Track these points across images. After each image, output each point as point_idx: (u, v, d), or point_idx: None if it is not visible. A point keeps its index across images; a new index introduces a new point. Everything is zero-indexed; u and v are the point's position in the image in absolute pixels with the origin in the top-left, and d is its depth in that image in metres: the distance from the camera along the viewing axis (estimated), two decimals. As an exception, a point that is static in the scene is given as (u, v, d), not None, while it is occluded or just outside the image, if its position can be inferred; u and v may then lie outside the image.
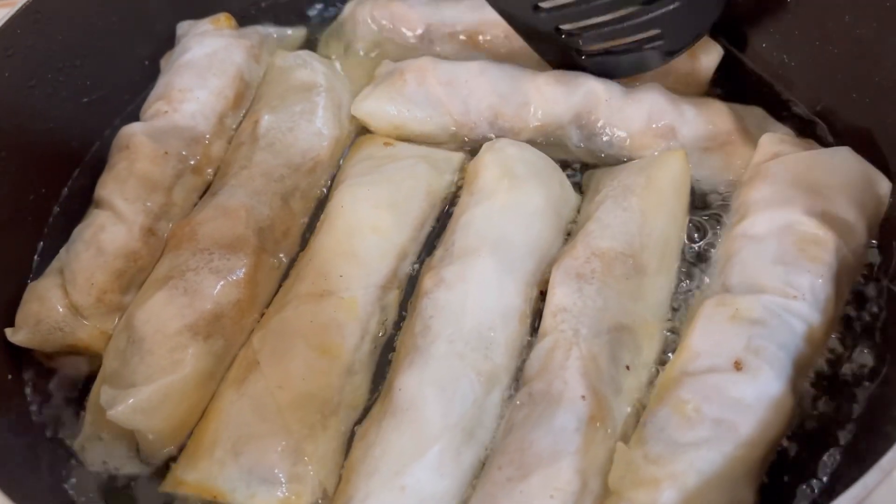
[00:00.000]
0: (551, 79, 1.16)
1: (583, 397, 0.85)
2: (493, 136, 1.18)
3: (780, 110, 1.19)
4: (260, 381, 0.92)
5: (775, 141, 1.05)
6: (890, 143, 1.03)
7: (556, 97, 1.15)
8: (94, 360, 1.01)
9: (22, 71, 1.10)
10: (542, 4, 1.12)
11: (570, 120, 1.15)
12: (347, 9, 1.36)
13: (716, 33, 1.22)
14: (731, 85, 1.23)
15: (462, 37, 1.28)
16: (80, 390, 1.00)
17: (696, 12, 1.09)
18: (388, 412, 0.89)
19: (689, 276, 1.02)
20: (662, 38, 1.11)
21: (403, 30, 1.31)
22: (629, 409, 0.90)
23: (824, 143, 1.12)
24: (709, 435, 0.80)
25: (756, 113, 1.15)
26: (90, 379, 1.00)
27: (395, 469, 0.85)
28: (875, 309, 0.97)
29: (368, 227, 1.04)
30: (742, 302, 0.90)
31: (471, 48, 1.27)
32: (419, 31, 1.31)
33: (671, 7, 1.07)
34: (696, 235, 1.05)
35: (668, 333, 0.97)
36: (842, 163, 1.00)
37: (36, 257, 1.13)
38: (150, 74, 1.27)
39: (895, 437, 0.73)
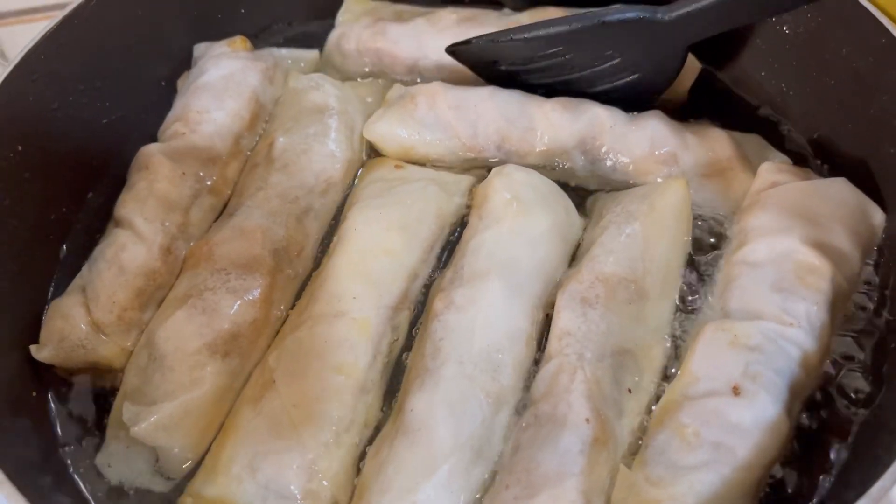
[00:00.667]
0: (558, 105, 1.20)
1: (587, 420, 0.89)
2: (499, 159, 1.21)
3: (777, 138, 1.22)
4: (276, 399, 0.95)
5: (773, 170, 1.09)
6: (884, 173, 1.07)
7: (561, 123, 1.19)
8: (114, 375, 1.04)
9: (45, 95, 1.13)
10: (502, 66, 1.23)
11: (575, 145, 1.19)
12: (331, 41, 1.40)
13: (716, 63, 1.26)
14: (729, 112, 1.26)
15: (448, 69, 1.31)
16: (101, 406, 1.03)
17: (651, 79, 1.19)
18: (400, 432, 0.93)
19: (690, 300, 1.06)
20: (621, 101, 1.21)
21: (393, 66, 1.36)
22: (630, 431, 0.93)
23: (820, 172, 1.16)
24: (708, 458, 0.84)
25: (755, 141, 1.19)
26: (110, 394, 1.04)
27: (408, 487, 0.88)
28: (870, 335, 1.00)
29: (381, 249, 1.07)
30: (740, 328, 0.94)
31: (458, 79, 1.29)
32: (407, 65, 1.35)
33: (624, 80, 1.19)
34: (696, 261, 1.09)
35: (669, 356, 1.01)
36: (838, 193, 1.04)
37: (55, 274, 1.16)
38: (167, 95, 1.30)
39: (887, 462, 0.77)
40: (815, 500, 0.89)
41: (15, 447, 0.93)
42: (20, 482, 0.82)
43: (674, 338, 1.02)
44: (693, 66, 1.25)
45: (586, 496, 0.84)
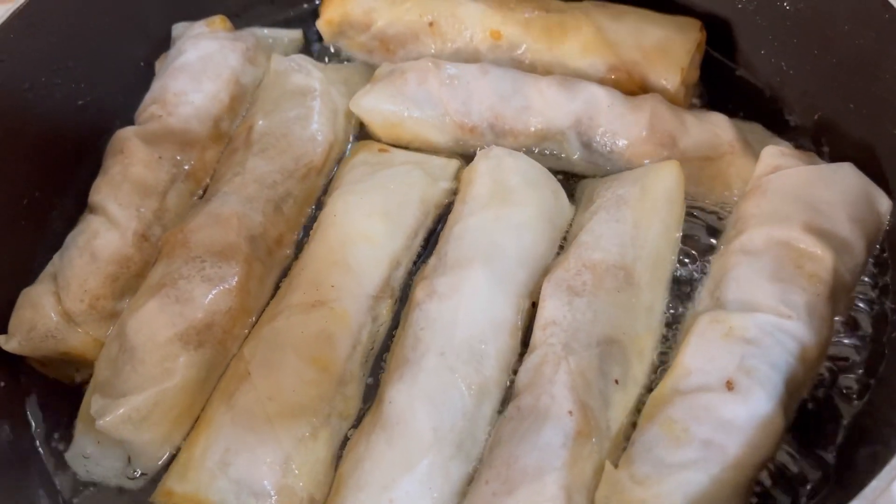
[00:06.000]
0: (554, 82, 1.15)
1: (570, 412, 0.85)
2: (492, 139, 1.16)
3: (777, 119, 1.18)
4: (250, 392, 0.92)
5: (776, 154, 1.03)
6: (889, 156, 1.02)
7: (557, 101, 1.14)
8: (90, 367, 1.00)
9: (16, 74, 1.09)
10: None
11: (571, 125, 1.14)
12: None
13: (714, 42, 1.21)
14: (727, 93, 1.21)
15: None
16: (75, 399, 1.00)
17: None
18: (379, 425, 0.89)
19: (683, 290, 1.01)
20: None
21: None
22: (617, 424, 0.89)
23: (821, 155, 1.11)
24: (697, 456, 0.80)
25: (756, 130, 1.14)
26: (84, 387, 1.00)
27: (384, 483, 0.85)
28: (868, 329, 0.96)
29: (360, 236, 1.03)
30: (736, 320, 0.89)
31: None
32: None
33: None
34: (690, 249, 1.04)
35: (661, 348, 0.97)
36: (843, 178, 0.99)
37: (35, 263, 1.12)
38: (145, 77, 1.26)
39: (883, 458, 0.72)
40: (807, 499, 0.85)
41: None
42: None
43: (666, 329, 0.98)
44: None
45: (567, 491, 0.80)
